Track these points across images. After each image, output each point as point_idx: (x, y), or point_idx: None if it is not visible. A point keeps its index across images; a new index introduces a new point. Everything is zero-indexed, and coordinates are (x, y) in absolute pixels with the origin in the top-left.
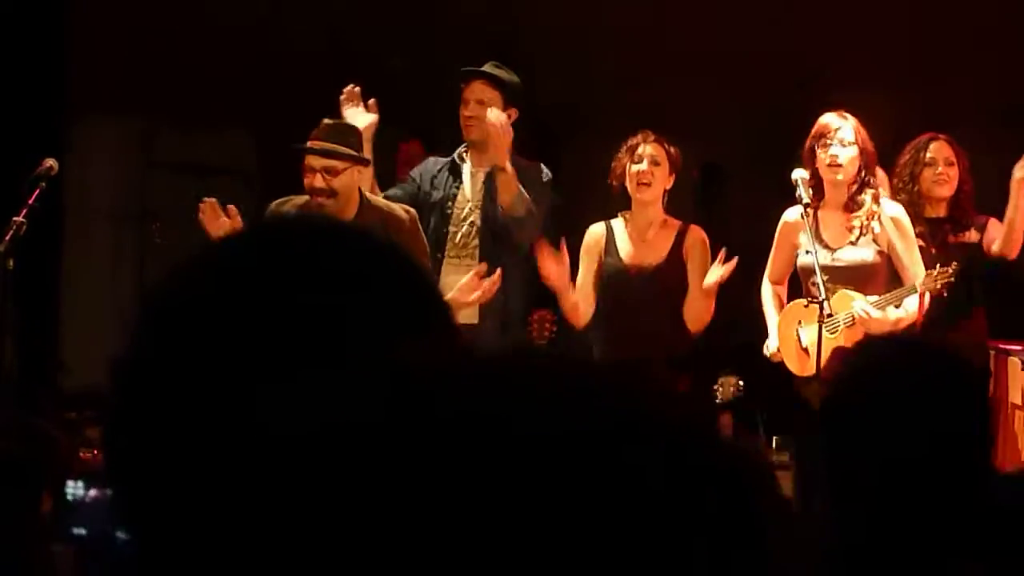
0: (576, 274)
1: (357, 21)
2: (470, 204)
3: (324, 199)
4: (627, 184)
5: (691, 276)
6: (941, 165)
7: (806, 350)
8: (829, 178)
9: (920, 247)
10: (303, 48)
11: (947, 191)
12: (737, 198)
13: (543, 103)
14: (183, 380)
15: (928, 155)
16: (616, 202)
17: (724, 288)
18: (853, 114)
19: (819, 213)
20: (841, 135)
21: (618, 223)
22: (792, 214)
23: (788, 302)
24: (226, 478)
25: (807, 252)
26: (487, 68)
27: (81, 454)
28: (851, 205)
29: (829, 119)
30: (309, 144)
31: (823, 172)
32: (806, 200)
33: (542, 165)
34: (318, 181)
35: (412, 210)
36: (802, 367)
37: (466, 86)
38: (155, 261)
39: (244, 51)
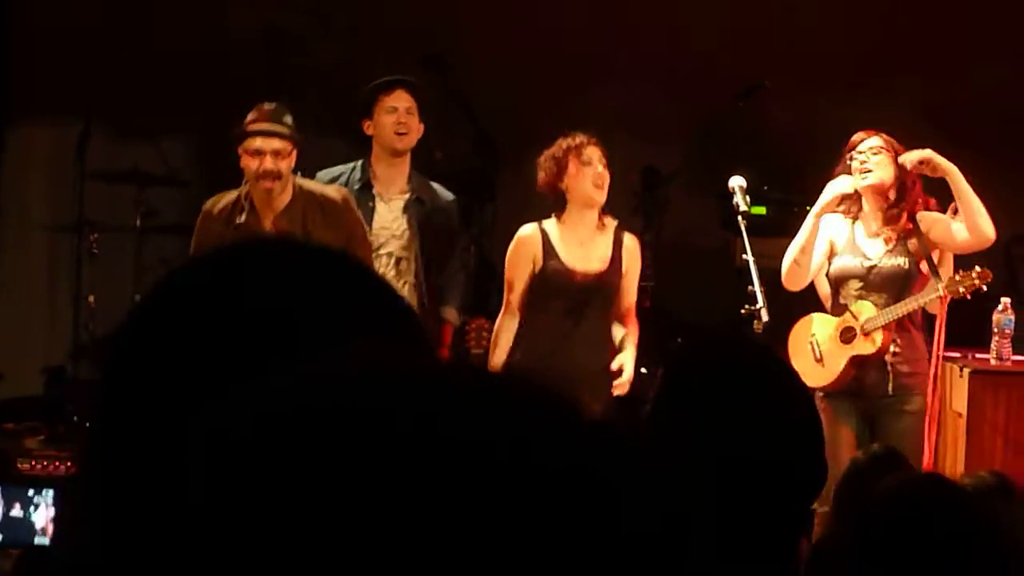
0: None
1: (293, 29)
2: (387, 232)
3: (270, 182)
4: (577, 187)
5: (625, 279)
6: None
7: (820, 360)
8: (862, 186)
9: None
10: (239, 56)
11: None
12: (676, 202)
13: (482, 111)
14: (163, 371)
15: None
16: (552, 206)
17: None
18: (795, 122)
19: (855, 224)
20: (869, 143)
21: (550, 225)
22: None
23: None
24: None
25: (840, 258)
26: (380, 80)
27: (19, 464)
28: (887, 215)
29: (859, 135)
30: (253, 127)
31: (856, 182)
32: (743, 208)
33: (444, 191)
34: (268, 163)
35: (344, 190)
36: (817, 378)
37: (388, 95)
38: (91, 271)
39: (180, 60)
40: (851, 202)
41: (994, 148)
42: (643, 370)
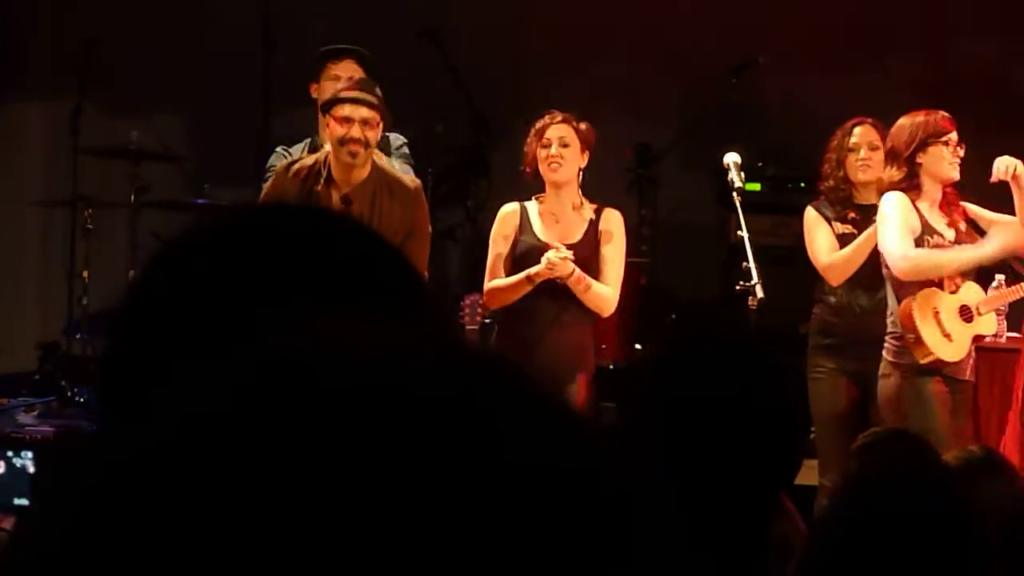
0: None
1: (288, 3)
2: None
3: (357, 148)
4: (541, 168)
5: (603, 259)
6: (865, 149)
7: (949, 336)
8: (950, 174)
9: (851, 234)
10: (232, 32)
11: (871, 176)
12: (670, 179)
13: (476, 86)
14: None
15: (852, 140)
16: (535, 187)
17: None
18: (789, 98)
19: (919, 205)
20: (955, 136)
21: (532, 205)
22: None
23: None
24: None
25: (930, 236)
26: (330, 47)
27: (12, 434)
28: (945, 200)
29: (942, 118)
30: (344, 94)
31: (942, 169)
32: (737, 184)
33: (391, 135)
34: (355, 130)
35: (418, 181)
36: (948, 352)
37: (336, 63)
38: (86, 246)
39: (173, 35)
40: (912, 184)
41: (987, 123)
42: (637, 346)
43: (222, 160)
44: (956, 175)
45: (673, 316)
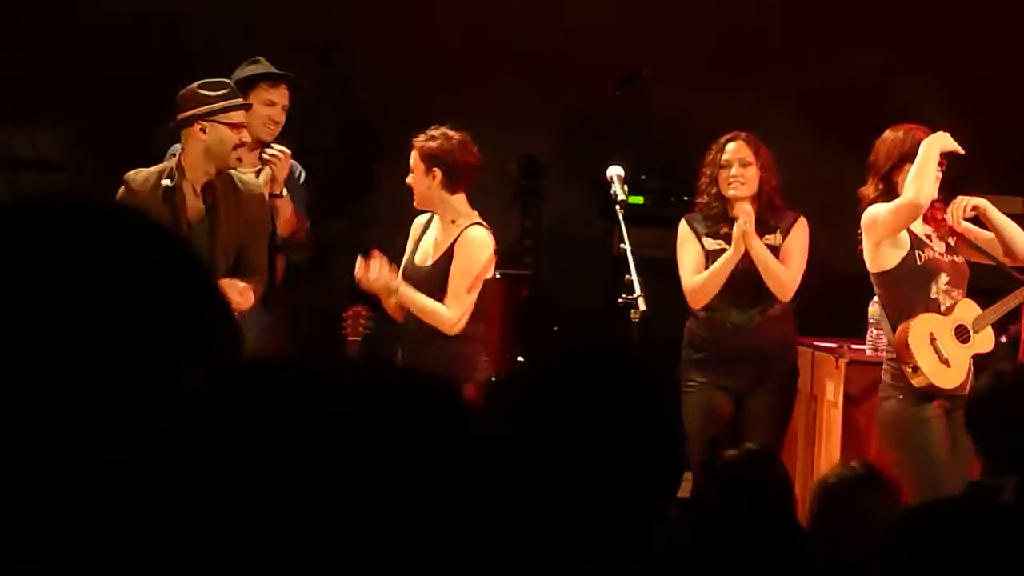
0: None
1: (164, 12)
2: None
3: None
4: None
5: (450, 276)
6: (736, 166)
7: (946, 362)
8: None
9: (722, 249)
10: (111, 41)
11: (743, 192)
12: (554, 191)
13: (361, 99)
14: None
15: (724, 156)
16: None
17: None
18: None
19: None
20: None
21: (438, 216)
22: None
23: None
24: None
25: (922, 251)
26: (268, 68)
27: None
28: (928, 217)
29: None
30: (233, 102)
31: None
32: (620, 197)
33: (293, 162)
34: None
35: (262, 184)
36: (946, 380)
37: (273, 88)
38: None
39: (52, 44)
40: (889, 199)
41: (865, 138)
42: (519, 358)
43: (102, 169)
44: (933, 196)
45: (555, 328)
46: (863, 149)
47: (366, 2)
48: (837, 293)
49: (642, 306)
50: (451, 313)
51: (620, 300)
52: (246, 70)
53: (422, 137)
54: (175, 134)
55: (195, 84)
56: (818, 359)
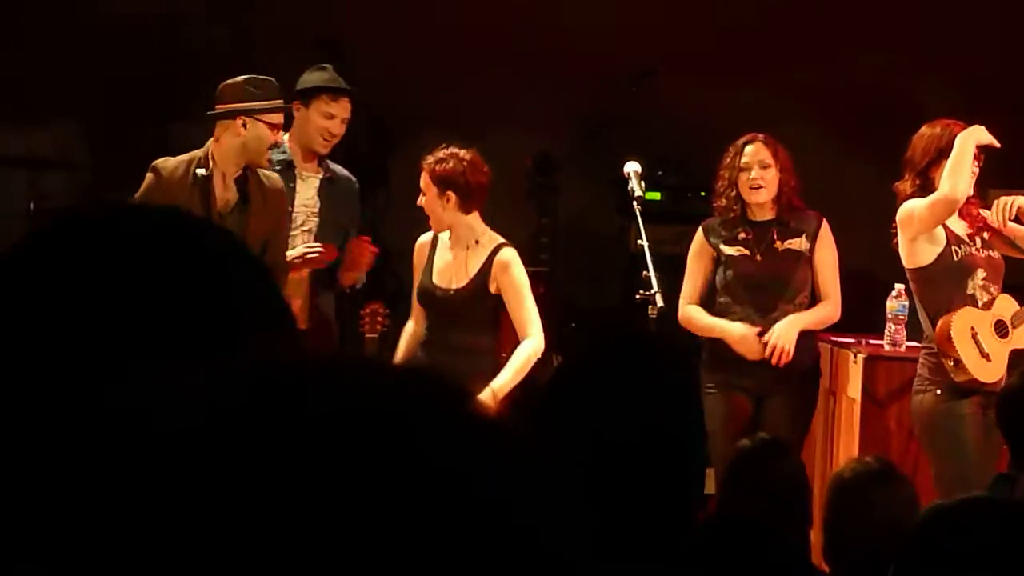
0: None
1: (184, 11)
2: (307, 210)
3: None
4: None
5: (509, 308)
6: (755, 169)
7: (987, 356)
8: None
9: (745, 255)
10: (129, 40)
11: (762, 197)
12: (571, 188)
13: (376, 97)
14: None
15: (744, 159)
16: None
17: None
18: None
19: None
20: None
21: (445, 234)
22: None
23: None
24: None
25: (958, 247)
26: (333, 79)
27: None
28: (964, 213)
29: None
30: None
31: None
32: (638, 193)
33: (345, 171)
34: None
35: (281, 180)
36: (988, 374)
37: (335, 101)
38: None
39: (70, 44)
40: (925, 195)
41: (883, 136)
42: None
43: (119, 168)
44: (968, 191)
45: (573, 325)
46: (878, 146)
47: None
48: (854, 289)
49: (660, 302)
50: (538, 340)
51: (637, 296)
52: (311, 77)
53: (431, 160)
54: (199, 127)
55: (240, 79)
56: (836, 355)
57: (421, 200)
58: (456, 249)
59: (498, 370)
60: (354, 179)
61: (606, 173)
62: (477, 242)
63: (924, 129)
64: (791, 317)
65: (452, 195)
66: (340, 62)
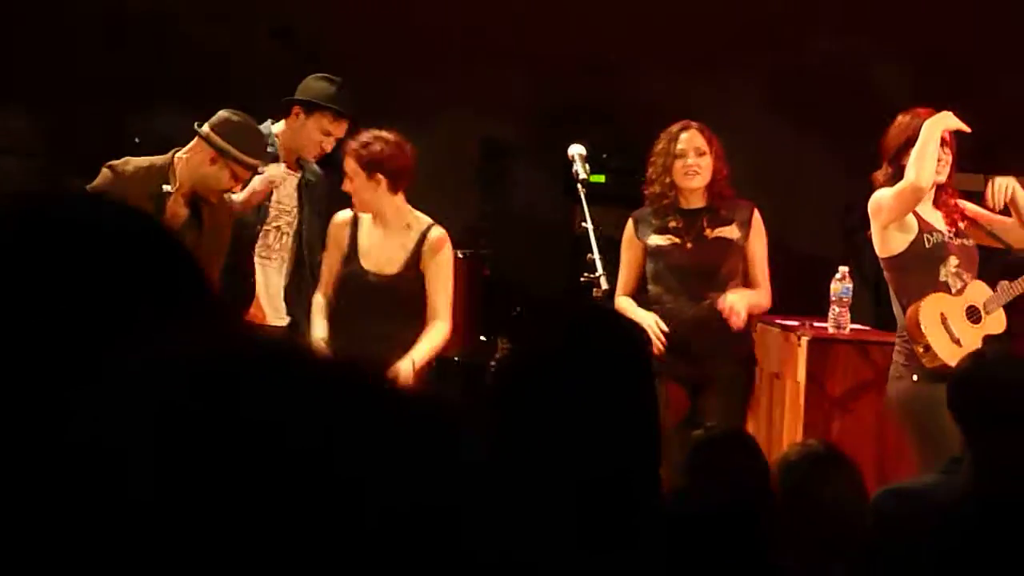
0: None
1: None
2: (281, 207)
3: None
4: None
5: (429, 288)
6: (691, 155)
7: (958, 341)
8: (936, 178)
9: (676, 243)
10: (83, 26)
11: (698, 183)
12: (515, 171)
13: None
14: None
15: (679, 146)
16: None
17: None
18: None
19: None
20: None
21: (366, 215)
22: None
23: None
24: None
25: (930, 234)
26: (340, 100)
27: None
28: (939, 202)
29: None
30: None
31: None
32: (582, 176)
33: (318, 169)
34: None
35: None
36: (959, 359)
37: (336, 122)
38: None
39: (25, 29)
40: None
41: (834, 119)
42: (482, 337)
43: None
44: (936, 179)
45: (518, 308)
46: (823, 128)
47: None
48: (800, 271)
49: (605, 284)
50: (450, 326)
51: (582, 279)
52: (318, 87)
53: (355, 144)
54: (149, 122)
55: (237, 119)
56: (780, 337)
57: (347, 185)
58: (385, 231)
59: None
60: (323, 176)
61: (552, 156)
62: (408, 225)
63: (899, 117)
64: (738, 291)
65: (382, 177)
66: (295, 50)
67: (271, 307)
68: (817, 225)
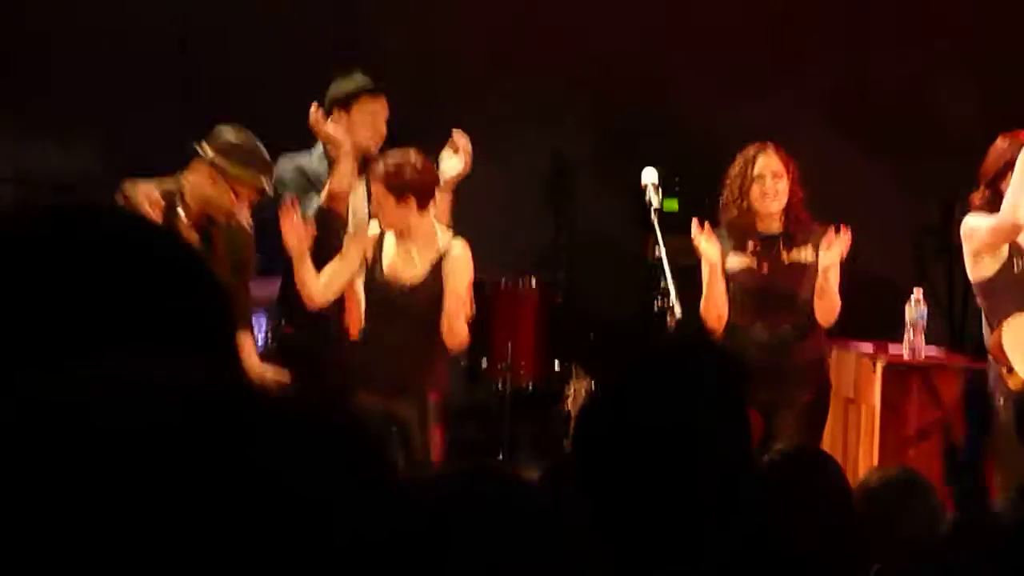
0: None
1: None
2: (356, 220)
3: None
4: None
5: (446, 292)
6: (769, 179)
7: None
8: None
9: (752, 268)
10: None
11: (776, 207)
12: (587, 195)
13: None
14: None
15: (756, 170)
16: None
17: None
18: (708, 116)
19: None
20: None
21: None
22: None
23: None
24: None
25: (1015, 260)
26: (369, 82)
27: None
28: None
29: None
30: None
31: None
32: (655, 204)
33: None
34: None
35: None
36: None
37: (374, 99)
38: None
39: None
40: (994, 208)
41: (901, 141)
42: (555, 366)
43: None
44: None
45: (592, 335)
46: (890, 149)
47: (395, 2)
48: (872, 296)
49: (678, 313)
50: (464, 332)
51: (656, 307)
52: (345, 83)
53: (384, 169)
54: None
55: (236, 138)
56: (855, 362)
57: (376, 210)
58: (409, 244)
59: (440, 376)
60: None
61: (623, 181)
62: (433, 238)
63: (998, 141)
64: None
65: (412, 199)
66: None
67: None
68: (889, 248)
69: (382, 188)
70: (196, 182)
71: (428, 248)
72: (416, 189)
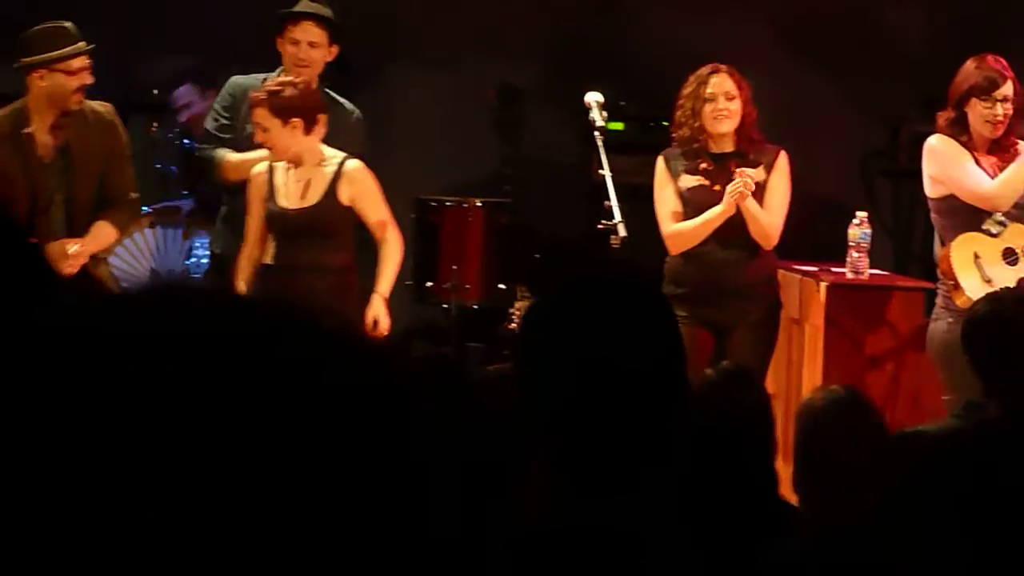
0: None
1: None
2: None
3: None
4: None
5: (361, 214)
6: (721, 99)
7: (990, 282)
8: (987, 133)
9: (704, 185)
10: None
11: (728, 126)
12: (533, 118)
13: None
14: None
15: (708, 89)
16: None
17: None
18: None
19: (973, 151)
20: (1005, 92)
21: (281, 162)
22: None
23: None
24: None
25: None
26: (309, 7)
27: None
28: (995, 147)
29: (995, 73)
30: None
31: (979, 125)
32: (599, 123)
33: (353, 107)
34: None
35: (110, 105)
36: None
37: (294, 25)
38: None
39: None
40: (959, 128)
41: (850, 64)
42: (501, 285)
43: None
44: (992, 134)
45: (537, 255)
46: (843, 73)
47: None
48: (818, 216)
49: (622, 232)
50: (397, 233)
51: (600, 227)
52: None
53: (263, 93)
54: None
55: (33, 30)
56: (799, 283)
57: (261, 136)
58: (300, 170)
59: (353, 290)
60: (356, 110)
61: (569, 103)
62: (322, 161)
63: (967, 63)
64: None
65: (298, 122)
66: None
67: None
68: (836, 169)
69: (266, 112)
70: (31, 90)
71: (319, 171)
72: (300, 110)
